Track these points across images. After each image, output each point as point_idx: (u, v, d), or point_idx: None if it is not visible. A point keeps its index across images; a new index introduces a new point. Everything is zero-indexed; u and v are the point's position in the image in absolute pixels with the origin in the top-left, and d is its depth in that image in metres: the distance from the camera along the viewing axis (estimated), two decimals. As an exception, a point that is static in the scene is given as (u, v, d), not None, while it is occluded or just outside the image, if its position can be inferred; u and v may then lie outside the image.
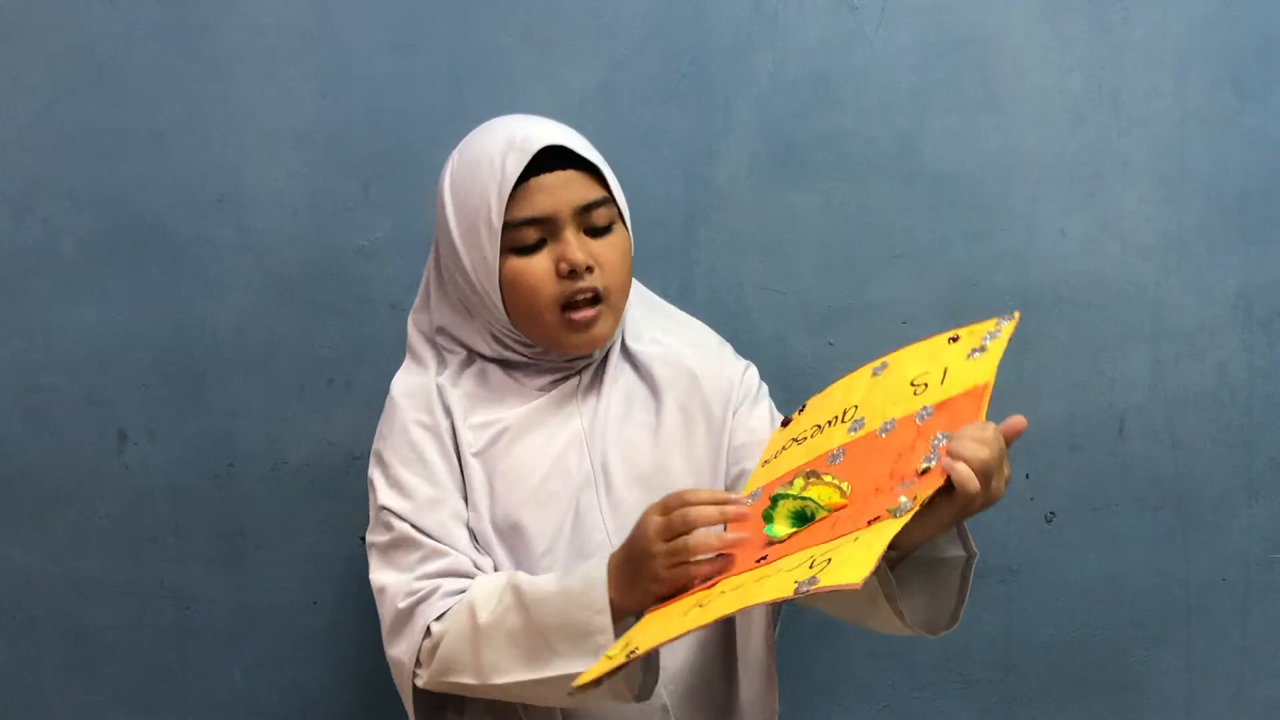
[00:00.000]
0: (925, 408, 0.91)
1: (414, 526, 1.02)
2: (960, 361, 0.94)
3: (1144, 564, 1.42)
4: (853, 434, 0.95)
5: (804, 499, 0.89)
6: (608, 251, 1.03)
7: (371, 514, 1.06)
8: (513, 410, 1.06)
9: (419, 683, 0.99)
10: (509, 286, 1.02)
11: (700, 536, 0.89)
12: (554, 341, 1.04)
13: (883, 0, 1.37)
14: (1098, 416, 1.41)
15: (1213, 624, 1.43)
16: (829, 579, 0.74)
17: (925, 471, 0.84)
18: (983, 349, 0.93)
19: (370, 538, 1.05)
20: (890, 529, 0.77)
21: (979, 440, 0.83)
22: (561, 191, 1.01)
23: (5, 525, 1.41)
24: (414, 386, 1.07)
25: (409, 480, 1.03)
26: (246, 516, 1.41)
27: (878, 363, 1.02)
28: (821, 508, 0.88)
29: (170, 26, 1.36)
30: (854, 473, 0.90)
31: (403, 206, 1.38)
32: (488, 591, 0.97)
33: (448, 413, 1.05)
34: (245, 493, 1.40)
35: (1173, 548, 1.42)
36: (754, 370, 1.15)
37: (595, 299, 1.03)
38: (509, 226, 1.00)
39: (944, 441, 0.85)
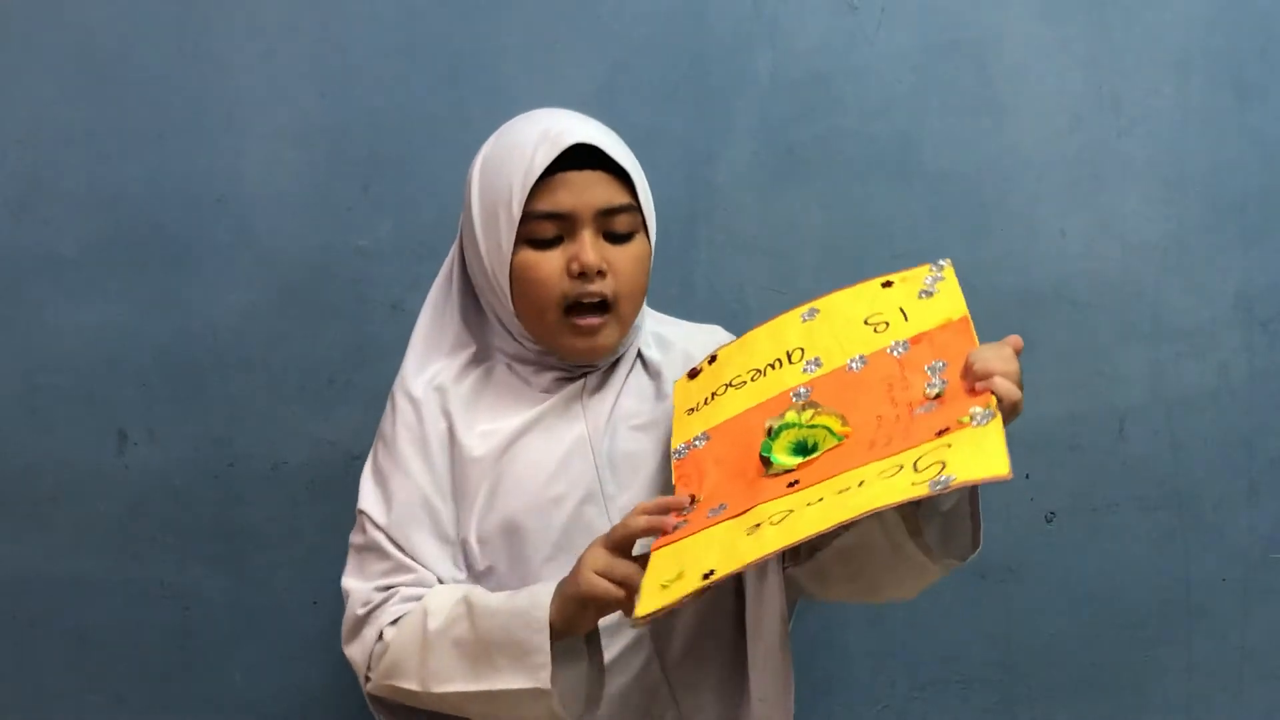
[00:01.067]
0: (898, 342, 0.96)
1: (388, 537, 1.03)
2: (913, 301, 1.00)
3: (1144, 564, 1.42)
4: (811, 372, 0.98)
5: (811, 427, 0.91)
6: (623, 259, 1.01)
7: (356, 513, 1.06)
8: (518, 415, 1.04)
9: (368, 687, 1.02)
10: (518, 278, 1.01)
11: (633, 518, 0.92)
12: (555, 344, 1.03)
13: (883, 0, 1.37)
14: (1098, 416, 1.41)
15: (1213, 624, 1.43)
16: (967, 474, 0.77)
17: (939, 395, 0.89)
18: (930, 292, 1.00)
19: (351, 538, 1.06)
20: (995, 429, 0.81)
21: (1002, 357, 0.89)
22: (586, 191, 0.99)
23: (5, 525, 1.41)
24: (416, 389, 1.06)
25: (393, 489, 1.04)
26: (246, 516, 1.41)
27: (804, 309, 1.04)
28: (831, 434, 0.90)
29: (170, 26, 1.36)
30: (838, 405, 0.93)
31: (403, 206, 1.38)
32: (441, 600, 0.98)
33: (446, 415, 1.04)
34: (245, 493, 1.40)
35: (1173, 548, 1.42)
36: None
37: (603, 305, 1.01)
38: (528, 217, 0.99)
39: (944, 369, 0.91)
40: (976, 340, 0.94)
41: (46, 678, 1.43)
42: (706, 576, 0.81)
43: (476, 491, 1.03)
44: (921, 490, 0.78)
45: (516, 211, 0.99)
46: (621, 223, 1.01)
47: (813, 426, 0.91)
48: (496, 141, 1.04)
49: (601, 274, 1.00)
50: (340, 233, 1.38)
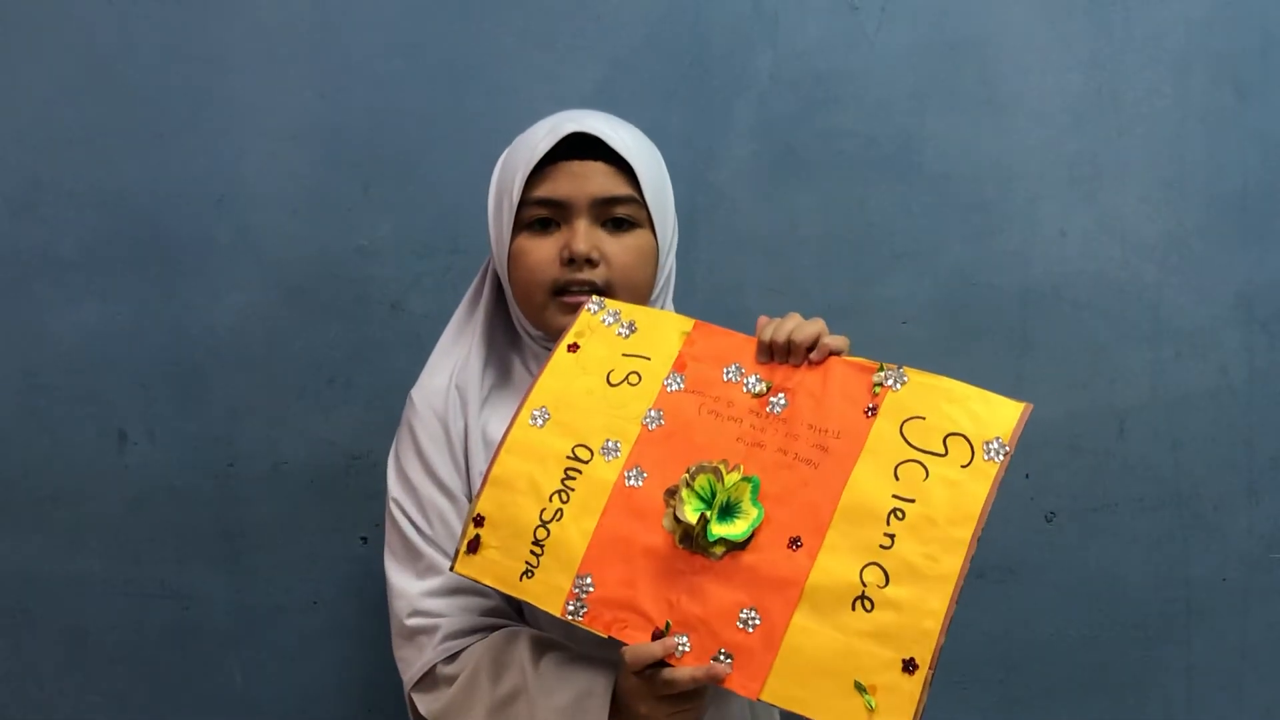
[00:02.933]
0: (668, 377, 0.95)
1: (420, 535, 1.03)
2: (623, 343, 0.98)
3: (1144, 564, 1.42)
4: (616, 455, 0.94)
5: (727, 490, 0.89)
6: (619, 249, 1.02)
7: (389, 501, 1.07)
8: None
9: (421, 709, 1.01)
10: (513, 262, 1.03)
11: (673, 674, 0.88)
12: (546, 324, 1.03)
13: (883, 0, 1.37)
14: (1098, 416, 1.41)
15: (1213, 624, 1.43)
16: (1006, 426, 0.85)
17: (766, 390, 0.92)
18: (630, 327, 0.99)
19: (387, 528, 1.06)
20: (927, 379, 0.89)
21: (797, 323, 0.94)
22: (584, 180, 1.00)
23: (5, 525, 1.41)
24: (431, 392, 1.06)
25: (420, 487, 1.04)
26: (246, 516, 1.41)
27: (525, 415, 0.97)
28: (748, 480, 0.89)
29: (170, 26, 1.36)
30: (696, 452, 0.91)
31: (403, 206, 1.38)
32: (497, 662, 0.97)
33: (464, 414, 1.04)
34: (245, 493, 1.40)
35: (1173, 548, 1.42)
36: None
37: (593, 292, 1.02)
38: (525, 203, 1.01)
39: (742, 370, 0.94)
40: (732, 332, 0.96)
41: (46, 678, 1.43)
42: (909, 669, 0.81)
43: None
44: (993, 467, 0.84)
45: (516, 197, 1.01)
46: (619, 212, 1.02)
47: (727, 488, 0.89)
48: (515, 141, 1.06)
49: (592, 262, 1.01)
50: (340, 233, 1.38)
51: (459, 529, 1.01)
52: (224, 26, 1.36)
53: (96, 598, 1.42)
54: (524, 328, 1.07)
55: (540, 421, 0.96)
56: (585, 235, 1.00)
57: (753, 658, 0.85)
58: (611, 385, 0.97)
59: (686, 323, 0.98)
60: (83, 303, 1.39)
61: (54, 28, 1.36)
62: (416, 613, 1.01)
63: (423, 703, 1.01)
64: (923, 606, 0.82)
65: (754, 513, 0.88)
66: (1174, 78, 1.38)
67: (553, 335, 1.04)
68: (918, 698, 0.80)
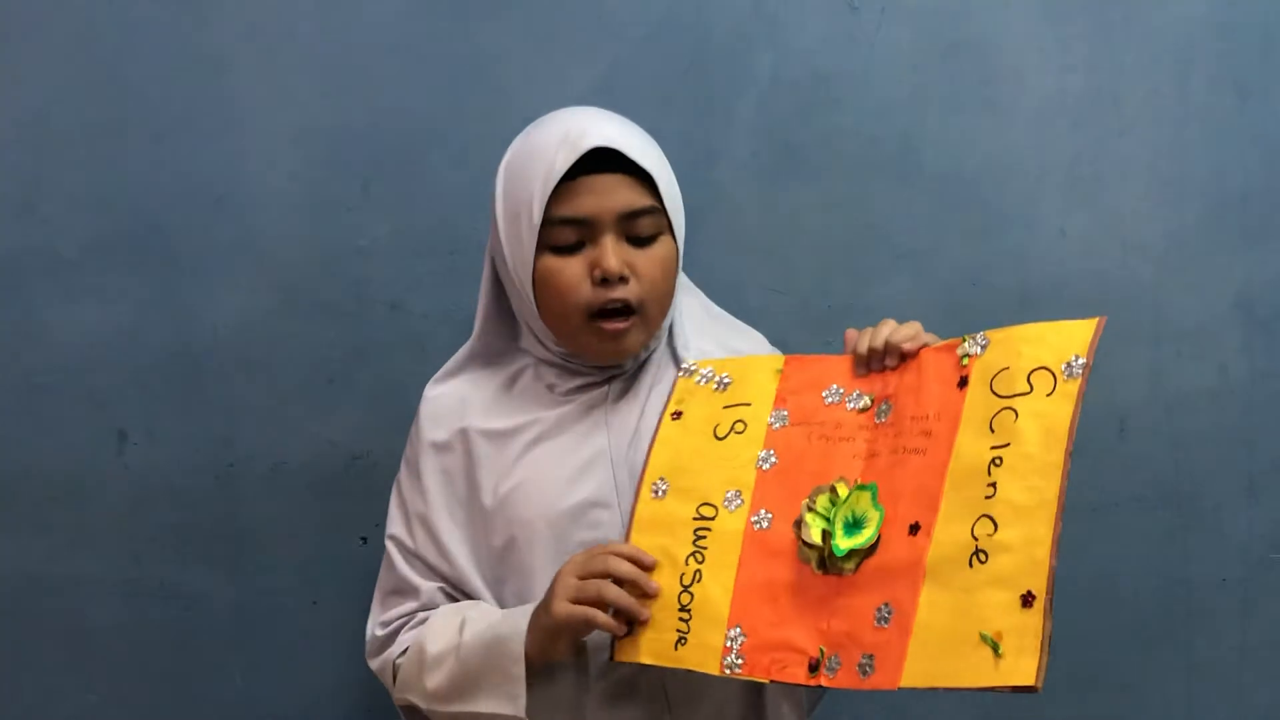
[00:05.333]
0: (770, 416, 0.96)
1: (405, 559, 1.06)
2: (723, 396, 1.00)
3: (1144, 564, 1.42)
4: (741, 504, 0.94)
5: (845, 504, 0.90)
6: (647, 263, 1.00)
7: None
8: (537, 422, 1.04)
9: (395, 698, 1.06)
10: (541, 284, 1.00)
11: (613, 589, 0.92)
12: (580, 347, 1.02)
13: (883, 0, 1.37)
14: (1098, 416, 1.41)
15: (1213, 624, 1.43)
16: (1081, 344, 0.86)
17: (869, 405, 0.93)
18: (726, 382, 1.01)
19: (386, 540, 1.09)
20: (1001, 332, 0.91)
21: (892, 327, 0.96)
22: (607, 195, 0.97)
23: (5, 525, 1.41)
24: (440, 403, 1.07)
25: (410, 505, 1.06)
26: (246, 516, 1.41)
27: (646, 490, 0.98)
28: (864, 488, 0.90)
29: (170, 26, 1.36)
30: (817, 478, 0.92)
31: (403, 206, 1.38)
32: (440, 624, 1.01)
33: (464, 427, 1.05)
34: (245, 493, 1.40)
35: (1173, 548, 1.42)
36: None
37: (627, 310, 1.00)
38: (548, 223, 0.98)
39: (842, 391, 0.95)
40: (825, 356, 0.97)
41: (46, 678, 1.43)
42: (1026, 602, 0.81)
43: (490, 500, 1.03)
44: (1075, 384, 0.83)
45: (537, 218, 0.97)
46: (645, 226, 0.99)
47: (846, 499, 0.90)
48: (521, 143, 1.03)
49: (624, 279, 0.98)
50: (340, 233, 1.38)
51: (445, 542, 1.04)
52: (224, 26, 1.36)
53: (96, 598, 1.41)
54: (544, 342, 1.05)
55: (660, 493, 0.97)
56: (615, 252, 0.98)
57: (890, 651, 0.84)
58: (719, 439, 0.97)
59: (778, 360, 1.00)
60: (83, 303, 1.38)
61: (54, 28, 1.36)
62: (385, 622, 1.06)
63: (396, 692, 1.05)
64: (1032, 537, 0.81)
65: (876, 516, 0.88)
66: (1174, 78, 1.38)
67: (587, 358, 1.03)
68: (1040, 630, 0.80)
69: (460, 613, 1.01)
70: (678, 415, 1.00)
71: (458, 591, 1.04)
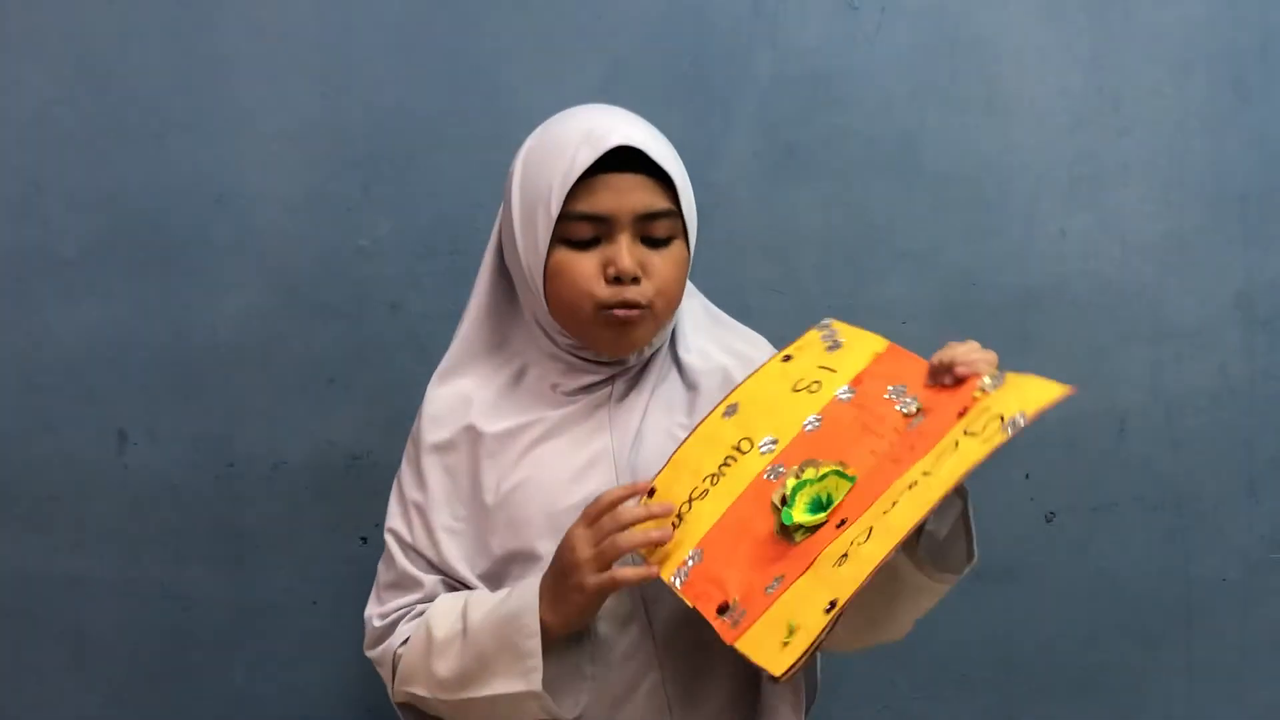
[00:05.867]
0: (840, 389, 0.98)
1: (402, 547, 1.05)
2: (827, 356, 1.01)
3: (1144, 564, 1.42)
4: (770, 451, 0.97)
5: (822, 479, 0.92)
6: (661, 264, 1.00)
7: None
8: (540, 420, 1.04)
9: (393, 698, 1.05)
10: (553, 277, 1.00)
11: (627, 536, 0.93)
12: (589, 338, 1.02)
13: (883, 0, 1.37)
14: (1098, 416, 1.41)
15: (1213, 624, 1.43)
16: (1036, 403, 0.84)
17: (918, 411, 0.93)
18: (837, 344, 1.02)
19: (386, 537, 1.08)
20: (1017, 376, 0.88)
21: (969, 348, 0.93)
22: (626, 194, 0.97)
23: (5, 525, 1.41)
24: (443, 400, 1.06)
25: (411, 502, 1.06)
26: (246, 516, 1.41)
27: (721, 408, 1.01)
28: (845, 478, 0.91)
29: (170, 26, 1.36)
30: (830, 455, 0.94)
31: (403, 206, 1.38)
32: (444, 610, 1.01)
33: (469, 425, 1.04)
34: (245, 493, 1.40)
35: (1173, 548, 1.42)
36: None
37: (637, 308, 1.00)
38: (565, 217, 0.97)
39: (903, 390, 0.95)
40: (917, 357, 0.97)
41: (46, 678, 1.43)
42: (829, 609, 0.82)
43: (491, 498, 1.02)
44: (1001, 437, 0.82)
45: (555, 211, 0.97)
46: (661, 228, 0.99)
47: (822, 479, 0.92)
48: (540, 137, 1.03)
49: (636, 280, 0.98)
50: (340, 233, 1.38)
51: (445, 539, 1.04)
52: (224, 26, 1.36)
53: (96, 598, 1.42)
54: (549, 333, 1.05)
55: (729, 414, 1.00)
56: (630, 253, 0.98)
57: (752, 615, 0.88)
58: (794, 392, 1.00)
59: (881, 344, 1.01)
60: (83, 303, 1.39)
61: (54, 28, 1.36)
62: (384, 614, 1.06)
63: (397, 685, 1.04)
64: (871, 555, 0.84)
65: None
66: (1174, 78, 1.38)
67: (595, 349, 1.03)
68: (816, 632, 0.83)
69: (462, 598, 1.01)
70: (788, 359, 1.03)
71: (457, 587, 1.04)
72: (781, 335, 1.38)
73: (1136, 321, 1.40)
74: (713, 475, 0.97)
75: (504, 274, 1.07)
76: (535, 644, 0.93)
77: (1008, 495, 1.41)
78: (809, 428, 0.97)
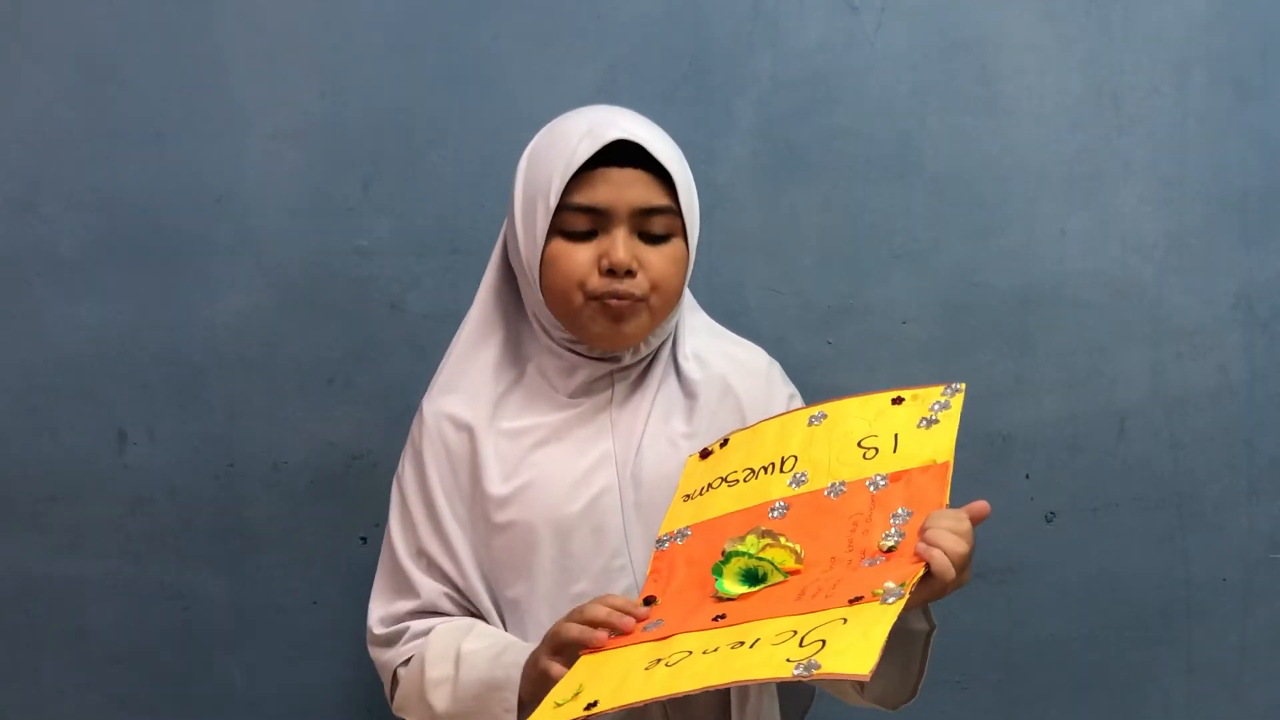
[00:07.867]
0: (879, 475, 0.92)
1: (404, 554, 1.05)
2: (910, 430, 0.95)
3: (1144, 564, 1.42)
4: (795, 489, 0.95)
5: (760, 559, 0.88)
6: (657, 259, 1.00)
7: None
8: (542, 423, 1.04)
9: (392, 708, 1.06)
10: (548, 267, 1.00)
11: (589, 632, 0.90)
12: (581, 329, 1.02)
13: (882, 0, 1.37)
14: (1098, 416, 1.41)
15: (1213, 624, 1.43)
16: (833, 665, 0.72)
17: (891, 550, 0.86)
18: (933, 420, 0.94)
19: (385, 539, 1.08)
20: (887, 616, 0.76)
21: (957, 533, 0.84)
22: (624, 188, 0.98)
23: (5, 525, 1.41)
24: (445, 402, 1.06)
25: (412, 504, 1.06)
26: (246, 516, 1.41)
27: (815, 410, 1.00)
28: (777, 570, 0.88)
29: (170, 26, 1.36)
30: (804, 534, 0.90)
31: (403, 206, 1.38)
32: (439, 650, 1.01)
33: (469, 427, 1.04)
34: (245, 493, 1.40)
35: (1173, 548, 1.42)
36: (799, 397, 1.13)
37: (630, 299, 1.00)
38: (563, 208, 0.98)
39: (907, 519, 0.87)
40: (948, 492, 0.89)
41: (46, 678, 1.43)
42: (590, 707, 0.79)
43: (493, 501, 1.02)
44: (785, 671, 0.74)
45: (553, 201, 0.98)
46: (658, 224, 1.00)
47: (759, 559, 0.89)
48: (546, 133, 1.03)
49: (631, 273, 0.99)
50: (340, 233, 1.38)
51: (446, 541, 1.04)
52: (224, 26, 1.36)
53: (96, 598, 1.42)
54: (544, 326, 1.05)
55: (814, 422, 0.99)
56: (625, 246, 0.98)
57: (634, 640, 0.87)
58: (860, 446, 0.96)
59: (947, 453, 0.92)
60: (83, 303, 1.39)
61: (54, 28, 1.36)
62: (384, 619, 1.06)
63: (394, 707, 1.05)
64: (663, 684, 0.80)
65: (776, 579, 0.88)
66: (1174, 78, 1.38)
67: (588, 341, 1.03)
68: (577, 712, 0.79)
69: (457, 642, 1.00)
70: (898, 401, 0.98)
71: (456, 591, 1.04)
72: (781, 335, 1.39)
73: (1136, 321, 1.40)
74: (751, 470, 0.97)
75: (509, 272, 1.07)
76: (511, 718, 0.95)
77: (1008, 495, 1.41)
78: (830, 493, 0.93)
